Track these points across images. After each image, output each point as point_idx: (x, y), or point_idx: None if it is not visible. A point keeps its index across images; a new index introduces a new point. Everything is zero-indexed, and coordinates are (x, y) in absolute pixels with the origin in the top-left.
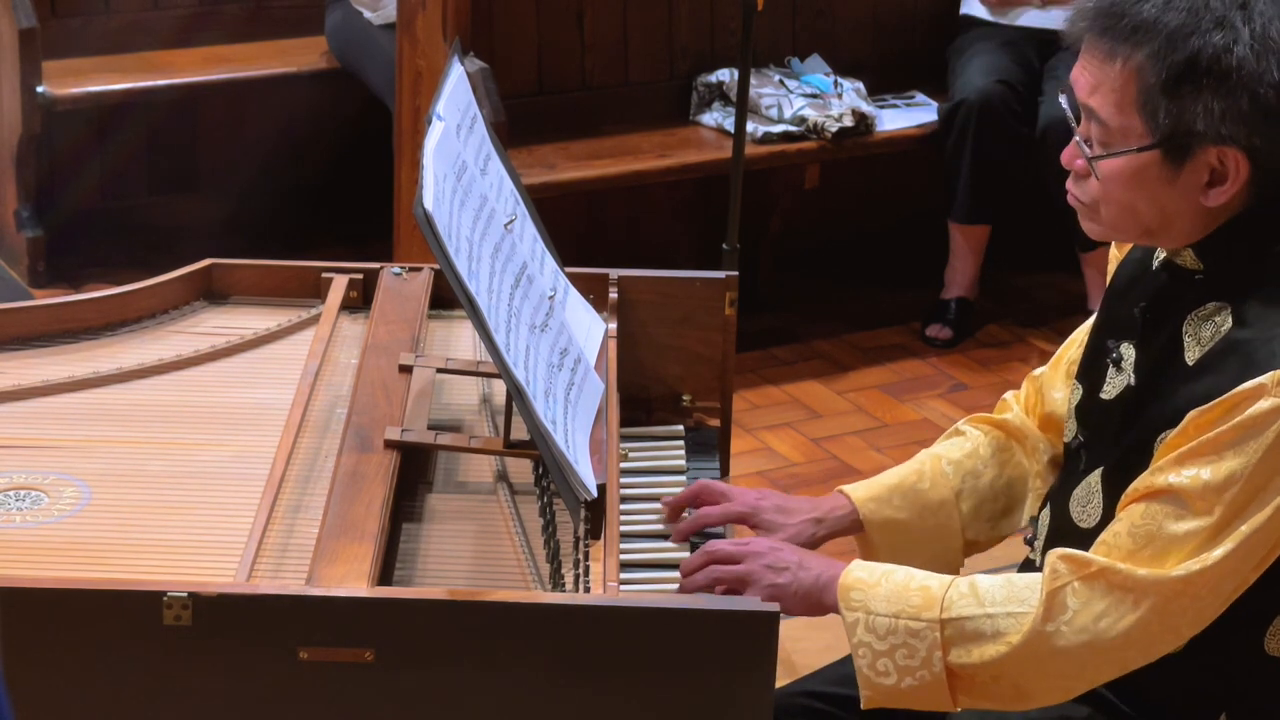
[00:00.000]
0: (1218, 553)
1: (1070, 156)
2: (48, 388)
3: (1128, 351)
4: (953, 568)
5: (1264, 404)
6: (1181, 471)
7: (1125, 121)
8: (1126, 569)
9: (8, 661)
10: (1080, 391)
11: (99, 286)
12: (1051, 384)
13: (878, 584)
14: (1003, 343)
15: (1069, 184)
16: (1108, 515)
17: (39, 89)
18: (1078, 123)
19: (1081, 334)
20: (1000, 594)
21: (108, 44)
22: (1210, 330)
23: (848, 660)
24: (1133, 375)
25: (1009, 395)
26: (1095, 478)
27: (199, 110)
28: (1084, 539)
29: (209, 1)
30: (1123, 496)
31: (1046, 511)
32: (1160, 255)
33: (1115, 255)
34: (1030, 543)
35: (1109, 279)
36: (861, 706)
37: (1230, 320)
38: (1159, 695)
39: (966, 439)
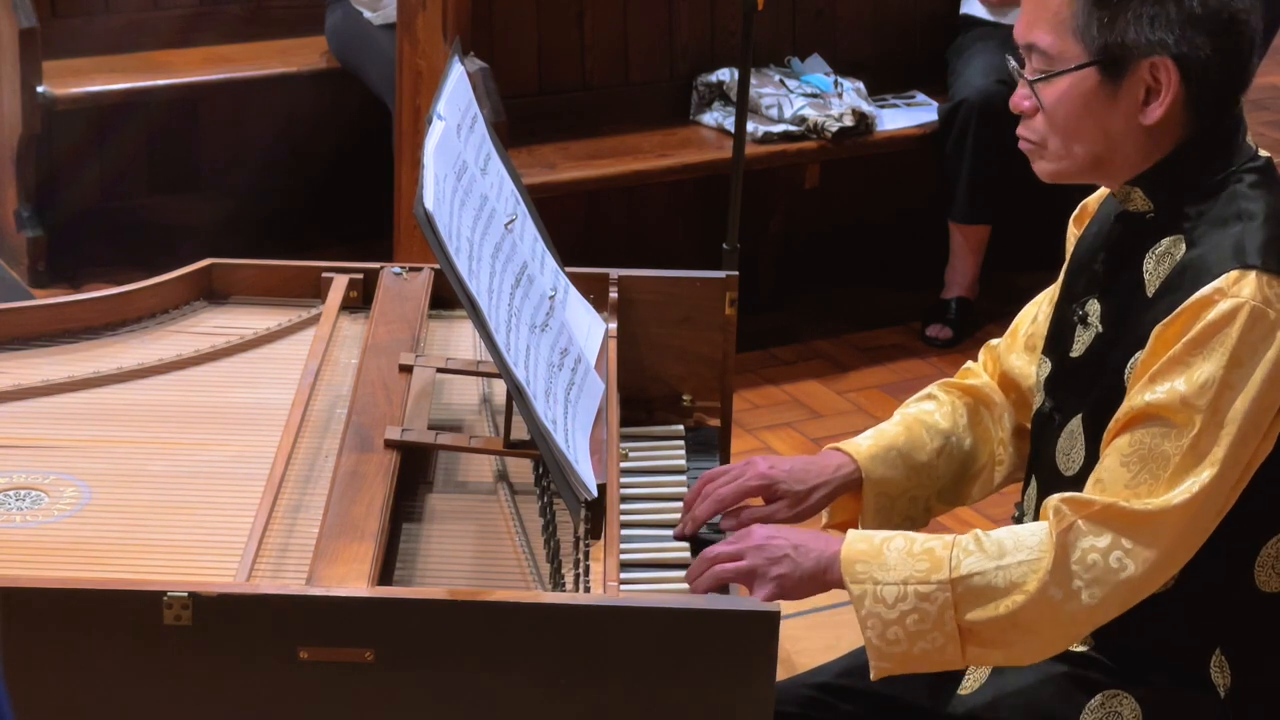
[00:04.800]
0: (1211, 469)
1: (1018, 99)
2: (48, 388)
3: (1093, 306)
4: (917, 529)
5: (1224, 305)
6: (1156, 389)
7: (1062, 46)
8: (1130, 505)
9: (8, 661)
10: (1049, 364)
11: (99, 286)
12: (1009, 350)
13: (880, 552)
14: None
15: (1019, 129)
16: (1091, 456)
17: (39, 89)
18: (1023, 67)
19: (1038, 304)
20: (1008, 543)
21: (108, 44)
22: (1167, 263)
23: (848, 655)
24: (1099, 325)
25: (971, 364)
26: (1075, 424)
27: (199, 110)
28: (1072, 486)
29: (209, 1)
30: (1105, 432)
31: (1033, 486)
32: (1115, 210)
33: (1074, 233)
34: (1018, 518)
35: (1068, 257)
36: (871, 678)
37: (1183, 247)
38: (1150, 640)
39: (943, 404)
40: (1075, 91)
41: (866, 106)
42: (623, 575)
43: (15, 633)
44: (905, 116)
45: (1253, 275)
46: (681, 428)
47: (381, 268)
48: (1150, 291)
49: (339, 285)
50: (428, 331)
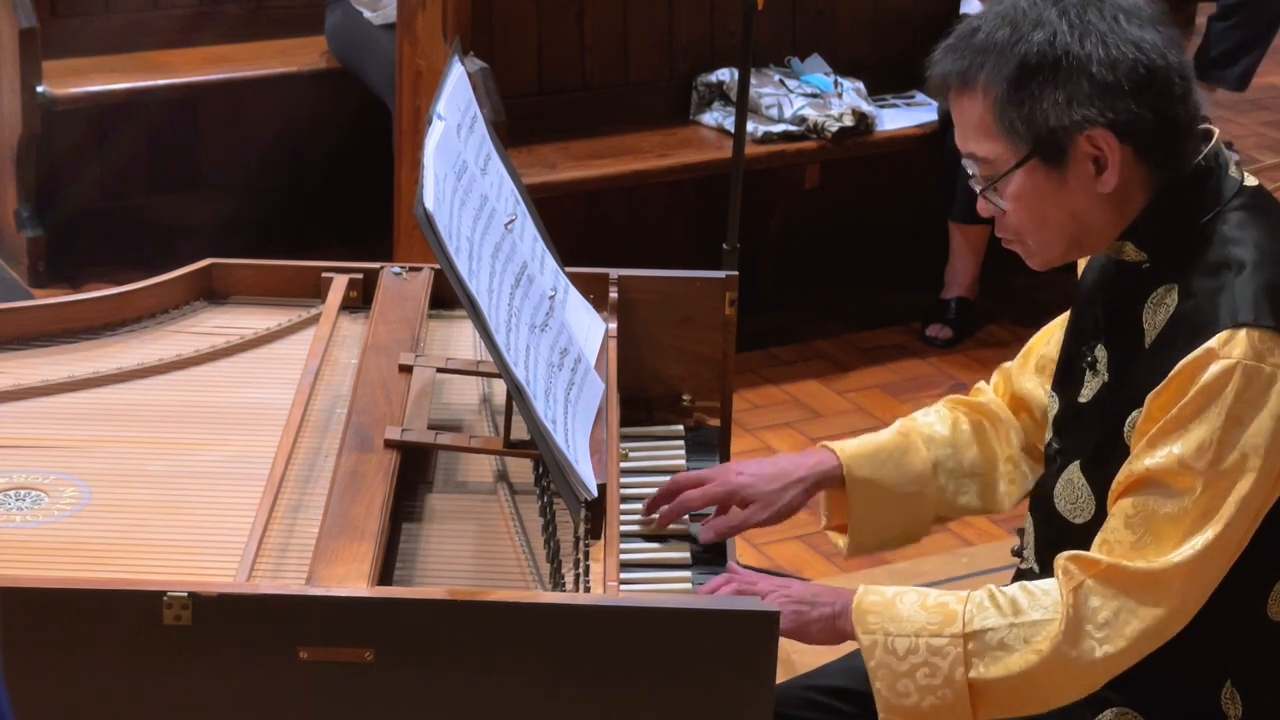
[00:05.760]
0: (1215, 528)
1: (981, 206)
2: (48, 388)
3: (1100, 353)
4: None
5: (1215, 368)
6: (1155, 454)
7: (995, 148)
8: (1134, 565)
9: (8, 661)
10: (1058, 403)
11: (99, 286)
12: (1020, 372)
13: (893, 605)
14: (1003, 343)
15: (997, 230)
16: (1100, 508)
17: (39, 89)
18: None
19: (1052, 329)
20: (1023, 601)
21: (108, 44)
22: (1163, 313)
23: (848, 657)
24: (1106, 374)
25: (982, 384)
26: (1074, 471)
27: (199, 110)
28: (1079, 535)
29: (209, 1)
30: (1109, 492)
31: (1029, 522)
32: (1113, 257)
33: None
34: (1019, 553)
35: (1079, 274)
36: None
37: (1177, 297)
38: (1161, 668)
39: (944, 417)
40: (1026, 187)
41: (866, 106)
42: (623, 575)
43: (15, 633)
44: (905, 116)
45: (1243, 334)
46: (681, 428)
47: (381, 268)
48: (1148, 343)
49: (339, 285)
50: (428, 331)
